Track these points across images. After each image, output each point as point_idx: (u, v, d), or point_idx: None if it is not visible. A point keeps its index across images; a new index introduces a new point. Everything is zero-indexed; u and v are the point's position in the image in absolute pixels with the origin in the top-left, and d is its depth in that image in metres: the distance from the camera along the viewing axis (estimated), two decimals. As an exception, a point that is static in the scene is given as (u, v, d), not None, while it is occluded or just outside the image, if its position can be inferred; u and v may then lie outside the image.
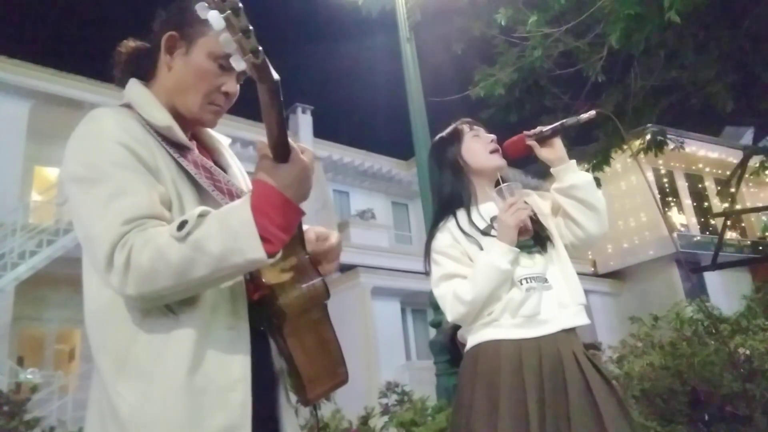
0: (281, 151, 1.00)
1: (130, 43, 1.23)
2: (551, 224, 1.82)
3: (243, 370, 1.04)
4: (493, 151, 1.84)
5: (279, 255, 1.01)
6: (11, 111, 10.64)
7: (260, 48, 0.87)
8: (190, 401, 0.99)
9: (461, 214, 1.79)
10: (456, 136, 1.90)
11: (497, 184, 1.84)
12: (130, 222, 0.98)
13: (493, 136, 1.87)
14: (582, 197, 1.77)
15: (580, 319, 1.68)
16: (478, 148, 1.85)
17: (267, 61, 0.89)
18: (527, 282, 1.65)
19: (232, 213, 0.99)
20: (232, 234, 0.96)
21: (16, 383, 8.30)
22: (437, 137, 1.98)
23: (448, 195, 1.85)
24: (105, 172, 1.02)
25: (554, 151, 1.79)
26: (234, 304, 1.08)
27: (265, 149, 1.01)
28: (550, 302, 1.66)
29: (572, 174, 1.78)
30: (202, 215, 0.98)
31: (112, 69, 1.23)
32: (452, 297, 1.67)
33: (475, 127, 1.92)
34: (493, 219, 1.76)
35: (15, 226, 9.61)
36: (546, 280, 1.69)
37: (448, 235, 1.77)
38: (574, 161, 1.80)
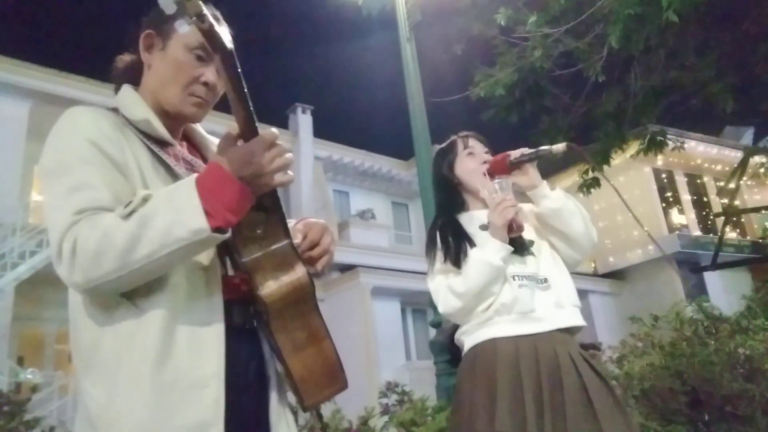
0: (248, 130, 0.99)
1: (125, 57, 1.25)
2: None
3: (217, 365, 1.02)
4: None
5: (228, 234, 0.99)
6: (11, 111, 10.64)
7: (205, 12, 0.86)
8: (157, 396, 0.97)
9: (457, 219, 1.87)
10: (452, 150, 1.96)
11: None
12: (82, 212, 0.98)
13: (487, 157, 1.89)
14: (554, 225, 1.79)
15: (575, 320, 1.72)
16: (472, 168, 1.88)
17: (215, 27, 0.89)
18: (519, 279, 1.69)
19: (177, 188, 0.99)
20: (176, 208, 0.96)
21: (16, 383, 8.31)
22: (438, 148, 2.04)
23: (442, 205, 1.98)
24: (69, 166, 1.03)
25: (527, 179, 1.80)
26: (209, 297, 1.06)
27: (232, 130, 1.01)
28: (547, 301, 1.69)
29: (542, 200, 1.78)
30: (146, 198, 0.98)
31: (113, 82, 1.25)
32: (445, 289, 1.73)
33: (471, 142, 1.94)
34: (481, 227, 1.80)
35: (15, 226, 9.61)
36: (542, 281, 1.72)
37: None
38: (543, 185, 1.79)
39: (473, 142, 1.94)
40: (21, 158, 10.52)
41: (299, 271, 1.08)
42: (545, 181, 1.80)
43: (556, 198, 1.77)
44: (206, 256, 1.09)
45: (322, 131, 15.67)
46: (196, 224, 0.94)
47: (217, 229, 0.97)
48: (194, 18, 0.86)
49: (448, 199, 1.95)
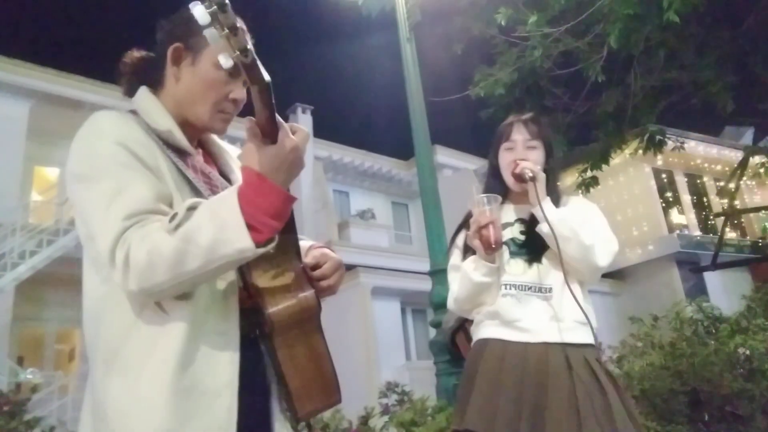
0: (270, 131, 0.99)
1: (135, 54, 1.24)
2: None
3: (231, 375, 1.04)
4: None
5: (273, 243, 1.00)
6: (11, 111, 10.64)
7: (250, 47, 0.87)
8: (176, 401, 0.98)
9: None
10: (498, 137, 1.86)
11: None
12: (131, 217, 0.99)
13: (523, 154, 1.77)
14: (554, 247, 1.67)
15: (573, 336, 1.65)
16: (506, 163, 1.80)
17: (257, 61, 0.89)
18: (506, 288, 1.70)
19: (220, 203, 0.99)
20: (221, 224, 0.96)
21: (16, 383, 8.31)
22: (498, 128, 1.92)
23: (486, 187, 1.86)
24: (106, 171, 1.03)
25: (528, 196, 1.72)
26: (226, 308, 1.08)
27: (254, 129, 1.01)
28: (541, 312, 1.66)
29: (539, 221, 1.68)
30: (191, 207, 0.99)
31: (119, 79, 1.24)
32: (451, 290, 1.82)
33: (515, 134, 1.81)
34: (516, 221, 1.81)
35: (15, 226, 9.61)
36: (545, 290, 1.68)
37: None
38: (537, 208, 1.68)
39: (517, 134, 1.81)
40: (21, 158, 10.53)
41: (307, 292, 1.11)
42: (542, 203, 1.67)
43: (545, 224, 1.65)
44: None
45: (322, 131, 15.74)
46: (240, 243, 0.95)
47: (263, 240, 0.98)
48: (237, 53, 0.86)
49: (490, 187, 1.84)
